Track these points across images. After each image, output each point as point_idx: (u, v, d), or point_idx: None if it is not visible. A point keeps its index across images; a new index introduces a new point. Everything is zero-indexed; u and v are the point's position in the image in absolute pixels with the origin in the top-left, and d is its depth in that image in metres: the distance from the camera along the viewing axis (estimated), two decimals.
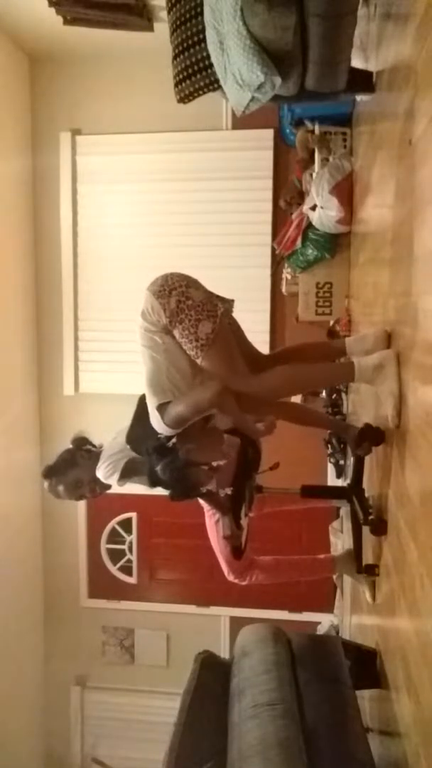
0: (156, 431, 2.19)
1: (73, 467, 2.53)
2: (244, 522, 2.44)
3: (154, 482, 2.18)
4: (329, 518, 4.71)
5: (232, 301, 2.25)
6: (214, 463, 2.27)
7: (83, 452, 2.55)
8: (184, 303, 2.08)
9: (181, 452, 2.14)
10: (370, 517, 2.25)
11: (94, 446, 2.60)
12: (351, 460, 2.80)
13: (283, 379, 2.21)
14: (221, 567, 2.80)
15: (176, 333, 2.10)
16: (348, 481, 2.68)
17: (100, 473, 2.47)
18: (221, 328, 2.11)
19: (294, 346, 2.46)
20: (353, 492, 2.52)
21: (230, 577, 2.81)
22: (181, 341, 2.10)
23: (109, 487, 2.57)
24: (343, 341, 2.34)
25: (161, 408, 2.13)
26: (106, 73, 4.90)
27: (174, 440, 2.18)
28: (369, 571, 2.30)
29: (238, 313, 2.35)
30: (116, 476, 2.43)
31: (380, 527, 2.15)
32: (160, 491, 2.26)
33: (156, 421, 2.18)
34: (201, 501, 2.53)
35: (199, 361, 2.12)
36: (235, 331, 2.29)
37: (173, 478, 2.13)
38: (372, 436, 2.24)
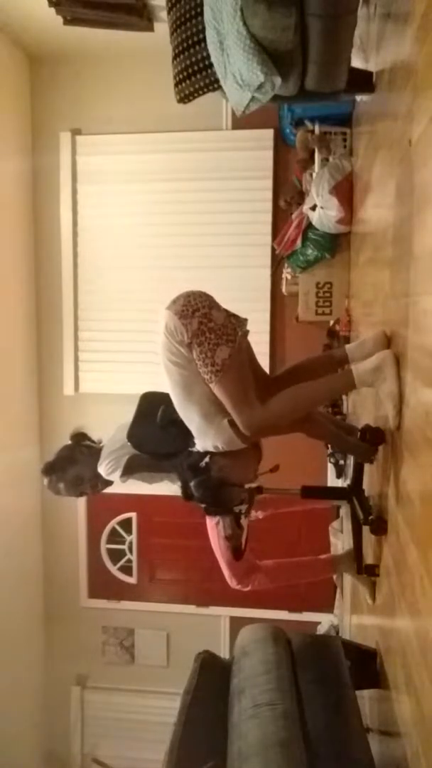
0: (163, 436, 2.23)
1: (73, 464, 2.52)
2: (244, 522, 2.44)
3: (187, 496, 2.23)
4: (329, 519, 4.71)
5: (246, 320, 2.24)
6: (246, 485, 2.30)
7: (83, 448, 2.55)
8: (206, 325, 2.08)
9: (214, 470, 2.16)
10: (371, 517, 2.25)
11: (93, 442, 2.60)
12: (351, 461, 2.79)
13: (287, 404, 2.20)
14: (223, 572, 2.76)
15: (194, 353, 2.09)
16: (348, 481, 2.66)
17: (102, 469, 2.47)
18: (238, 355, 2.12)
19: (297, 364, 2.44)
20: (353, 493, 2.52)
21: (233, 583, 2.75)
22: (197, 362, 2.10)
23: (110, 483, 2.56)
24: (344, 349, 2.33)
25: (228, 426, 2.15)
26: (106, 73, 4.90)
27: (207, 458, 2.20)
28: (369, 572, 2.29)
29: (238, 314, 2.34)
30: (118, 473, 2.43)
31: (380, 527, 2.16)
32: (160, 491, 2.28)
33: (206, 436, 2.20)
34: None
35: (212, 386, 2.12)
36: (247, 352, 2.28)
37: (206, 495, 2.19)
38: (373, 439, 2.24)
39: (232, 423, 2.15)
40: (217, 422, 2.17)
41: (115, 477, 2.46)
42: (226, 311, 2.19)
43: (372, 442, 2.25)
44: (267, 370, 4.95)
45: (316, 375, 2.29)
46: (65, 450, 2.58)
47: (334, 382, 2.31)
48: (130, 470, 2.43)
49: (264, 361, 4.69)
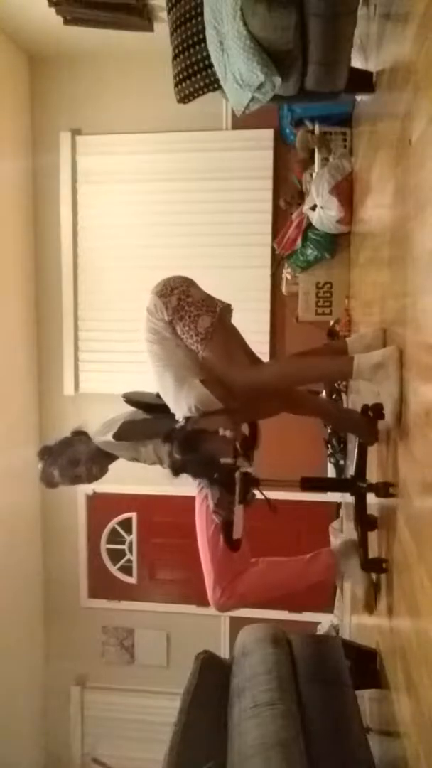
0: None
1: (69, 446, 2.46)
2: (239, 512, 2.36)
3: (176, 470, 2.20)
4: (329, 518, 4.71)
5: (230, 305, 2.30)
6: (221, 431, 2.24)
7: (84, 438, 2.49)
8: (185, 300, 2.18)
9: (190, 425, 2.19)
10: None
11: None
12: (354, 447, 2.67)
13: (281, 369, 2.31)
14: (206, 582, 2.47)
15: (177, 329, 2.18)
16: (351, 472, 2.54)
17: (96, 435, 2.43)
18: (220, 323, 2.19)
19: (294, 353, 2.46)
20: (357, 483, 2.45)
21: (215, 594, 2.43)
22: (183, 337, 2.18)
23: (106, 470, 2.49)
24: (344, 341, 2.34)
25: (204, 384, 2.18)
26: (106, 73, 4.90)
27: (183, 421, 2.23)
28: (375, 567, 2.23)
29: (238, 313, 2.36)
30: (110, 434, 2.37)
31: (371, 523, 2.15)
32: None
33: (181, 400, 2.22)
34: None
35: (200, 355, 2.19)
36: (233, 330, 2.34)
37: (186, 450, 2.15)
38: (375, 414, 2.24)
39: (205, 382, 2.18)
40: (188, 382, 2.21)
41: (108, 437, 2.38)
42: (207, 293, 2.28)
43: (374, 417, 2.24)
44: None
45: None
46: (64, 438, 2.53)
47: (331, 364, 2.33)
48: (124, 434, 2.35)
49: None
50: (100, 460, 2.45)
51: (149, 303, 2.22)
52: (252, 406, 2.42)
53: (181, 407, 2.25)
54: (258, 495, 2.41)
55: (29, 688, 5.29)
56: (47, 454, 2.46)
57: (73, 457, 2.42)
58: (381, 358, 2.00)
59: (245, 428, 2.48)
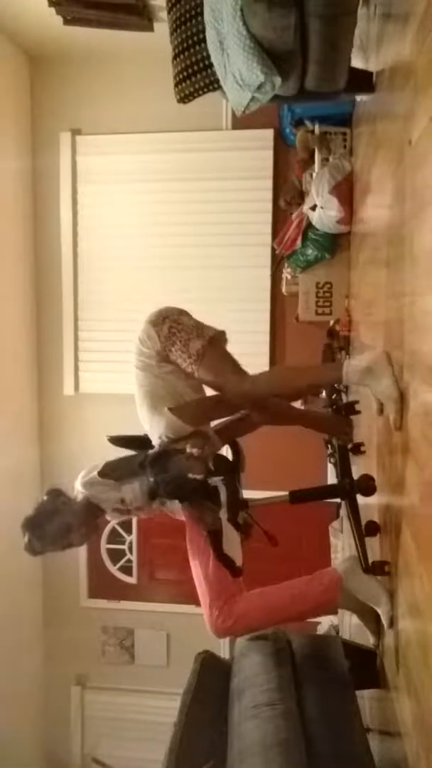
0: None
1: (56, 514, 2.39)
2: (236, 541, 2.34)
3: (150, 492, 2.23)
4: (329, 519, 4.72)
5: (224, 332, 2.35)
6: (192, 451, 2.25)
7: (63, 499, 2.42)
8: (176, 327, 2.25)
9: (161, 448, 2.23)
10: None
11: (70, 498, 2.44)
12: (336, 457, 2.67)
13: (274, 377, 2.37)
14: (203, 606, 2.37)
15: (172, 357, 2.25)
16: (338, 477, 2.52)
17: (79, 481, 2.39)
18: (211, 345, 2.24)
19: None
20: (345, 486, 2.41)
21: (213, 616, 2.28)
22: (178, 362, 2.25)
23: (95, 528, 2.47)
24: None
25: (171, 411, 2.23)
26: (106, 73, 4.90)
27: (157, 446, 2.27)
28: (378, 570, 2.21)
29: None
30: (95, 473, 2.36)
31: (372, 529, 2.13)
32: None
33: (154, 428, 2.28)
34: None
35: (196, 375, 2.25)
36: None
37: (159, 472, 2.18)
38: (347, 412, 2.26)
39: (172, 410, 2.24)
40: (159, 410, 2.26)
41: (93, 474, 2.36)
42: (198, 321, 2.34)
43: (347, 414, 2.26)
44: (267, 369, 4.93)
45: None
46: (44, 504, 2.45)
47: (322, 370, 2.38)
48: (106, 470, 2.35)
49: (264, 361, 4.70)
50: (88, 520, 2.40)
51: (141, 331, 2.30)
52: (234, 425, 2.50)
53: (153, 435, 2.32)
54: (254, 522, 2.41)
55: (29, 688, 5.28)
56: (32, 526, 2.42)
57: (62, 525, 2.36)
58: (368, 363, 2.02)
59: (228, 453, 2.50)
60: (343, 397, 4.28)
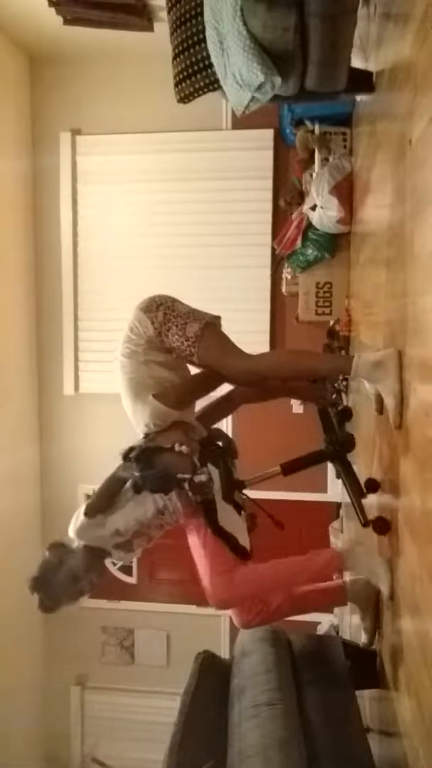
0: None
1: (61, 566, 2.35)
2: (240, 522, 2.35)
3: (136, 486, 2.21)
4: (329, 518, 4.72)
5: (219, 316, 2.34)
6: (178, 448, 2.24)
7: (65, 549, 2.39)
8: (171, 314, 2.23)
9: (147, 442, 2.22)
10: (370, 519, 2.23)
11: (72, 548, 2.41)
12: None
13: (279, 357, 2.37)
14: (203, 579, 2.33)
15: (167, 342, 2.22)
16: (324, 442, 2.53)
17: (71, 532, 2.34)
18: (207, 327, 2.23)
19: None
20: (332, 446, 2.43)
21: (212, 586, 2.27)
22: (175, 347, 2.22)
23: (103, 571, 2.45)
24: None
25: (155, 398, 2.23)
26: (106, 73, 4.90)
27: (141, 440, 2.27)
28: (377, 527, 2.18)
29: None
30: (81, 514, 2.32)
31: (383, 527, 2.13)
32: None
33: (139, 417, 2.27)
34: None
35: (195, 359, 2.23)
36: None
37: (145, 467, 2.17)
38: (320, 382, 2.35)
39: (156, 396, 2.23)
40: (143, 398, 2.25)
41: (80, 518, 2.32)
42: (192, 307, 2.33)
43: (340, 419, 2.35)
44: None
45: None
46: (47, 560, 2.40)
47: (330, 358, 2.36)
48: (88, 509, 2.31)
49: None
50: (94, 564, 2.39)
51: (132, 318, 2.27)
52: (215, 408, 2.52)
53: (139, 425, 2.31)
54: (259, 506, 2.41)
55: (29, 688, 5.28)
56: (39, 585, 2.36)
57: (68, 576, 2.34)
58: (380, 357, 2.01)
59: (220, 442, 2.48)
60: (343, 397, 4.28)
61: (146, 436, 2.29)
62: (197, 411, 2.51)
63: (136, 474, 2.20)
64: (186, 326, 2.21)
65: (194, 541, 2.36)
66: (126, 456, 2.23)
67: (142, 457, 2.20)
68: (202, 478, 2.23)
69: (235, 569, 2.26)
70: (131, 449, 2.24)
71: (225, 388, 2.55)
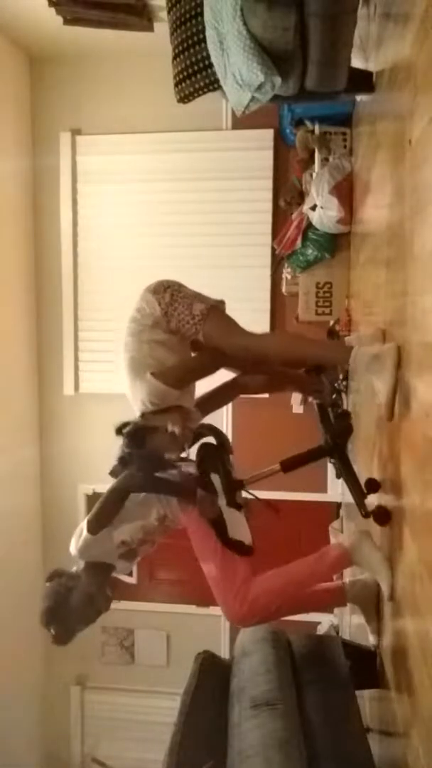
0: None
1: (69, 592, 2.28)
2: (240, 517, 2.34)
3: (122, 461, 2.24)
4: (329, 518, 4.72)
5: (223, 301, 2.39)
6: (170, 428, 2.24)
7: (67, 575, 2.34)
8: (178, 295, 2.29)
9: (140, 423, 2.24)
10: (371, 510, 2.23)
11: (72, 573, 2.37)
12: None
13: (282, 338, 2.34)
14: (219, 598, 2.29)
15: (172, 322, 2.25)
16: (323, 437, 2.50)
17: (73, 550, 2.28)
18: (213, 308, 2.28)
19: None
20: (329, 443, 2.46)
21: (228, 602, 2.24)
22: (180, 325, 2.25)
23: (116, 583, 2.38)
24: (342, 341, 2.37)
25: (154, 376, 2.23)
26: (106, 73, 4.90)
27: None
28: (378, 517, 2.14)
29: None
30: (84, 531, 2.26)
31: (384, 517, 2.13)
32: None
33: (136, 394, 2.27)
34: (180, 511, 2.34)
35: (199, 337, 2.26)
36: None
37: (132, 447, 2.20)
38: (316, 371, 2.39)
39: (155, 374, 2.23)
40: (141, 376, 2.26)
41: (84, 534, 2.26)
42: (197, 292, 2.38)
43: (316, 373, 2.38)
44: None
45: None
46: (52, 589, 2.32)
47: (330, 347, 2.43)
48: (90, 525, 2.25)
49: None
50: (104, 580, 2.32)
51: (140, 299, 2.33)
52: (215, 395, 2.52)
53: (136, 402, 2.31)
54: (253, 495, 2.41)
55: (29, 688, 5.28)
56: (52, 616, 2.27)
57: (84, 598, 2.27)
58: (380, 349, 2.03)
59: (210, 439, 2.48)
60: (343, 397, 4.28)
61: (143, 415, 2.29)
62: (196, 398, 2.50)
63: (126, 450, 2.22)
64: (192, 306, 2.26)
65: (200, 550, 2.34)
66: (119, 430, 2.25)
67: (134, 434, 2.22)
68: (190, 470, 2.27)
69: (248, 583, 2.23)
70: (126, 424, 2.25)
71: (224, 377, 2.55)
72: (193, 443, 2.46)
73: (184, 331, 2.25)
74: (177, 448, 2.30)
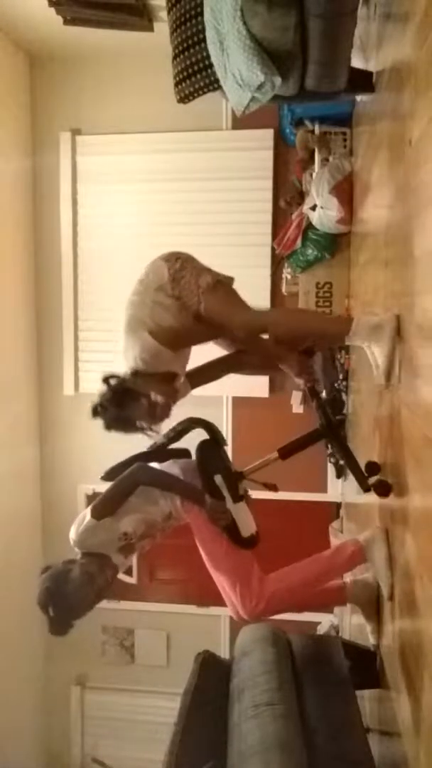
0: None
1: (69, 572, 2.21)
2: (242, 509, 2.33)
3: (95, 411, 2.29)
4: (329, 518, 4.72)
5: (233, 278, 2.42)
6: (153, 398, 2.23)
7: (65, 562, 2.28)
8: (188, 264, 2.34)
9: (128, 381, 2.24)
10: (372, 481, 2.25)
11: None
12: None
13: (283, 312, 2.34)
14: (229, 595, 2.30)
15: (177, 289, 2.27)
16: (320, 421, 2.49)
17: (73, 534, 2.27)
18: (221, 282, 2.31)
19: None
20: (324, 425, 2.47)
21: (245, 601, 2.24)
22: (184, 293, 2.27)
23: (116, 567, 2.31)
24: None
25: (151, 334, 2.24)
26: (106, 73, 4.90)
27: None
28: (380, 491, 2.15)
29: None
30: (88, 515, 2.26)
31: (384, 489, 2.14)
32: None
33: (129, 350, 2.28)
34: (182, 508, 2.32)
35: (201, 307, 2.26)
36: None
37: (114, 401, 2.21)
38: (308, 351, 2.40)
39: (151, 333, 2.24)
40: (138, 334, 2.27)
41: (87, 518, 2.25)
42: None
43: (308, 354, 2.41)
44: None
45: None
46: (49, 573, 2.25)
47: (333, 320, 2.49)
48: (97, 510, 2.25)
49: None
50: (103, 564, 2.26)
51: (150, 264, 2.40)
52: (208, 368, 2.52)
53: (128, 358, 2.30)
54: (251, 480, 2.41)
55: (29, 688, 5.28)
56: (51, 596, 2.18)
57: (83, 577, 2.19)
58: (379, 320, 2.08)
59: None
60: (343, 397, 4.28)
61: (135, 373, 2.26)
62: (189, 369, 2.49)
63: (103, 401, 2.24)
64: (200, 276, 2.29)
65: (206, 550, 2.35)
66: (106, 379, 2.26)
67: (118, 390, 2.23)
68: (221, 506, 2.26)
69: (263, 581, 2.25)
70: (113, 376, 2.26)
71: (218, 353, 2.55)
72: (179, 437, 2.45)
73: (187, 299, 2.27)
74: (153, 420, 2.29)
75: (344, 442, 2.46)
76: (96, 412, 2.28)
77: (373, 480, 2.24)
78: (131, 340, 2.28)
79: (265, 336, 2.36)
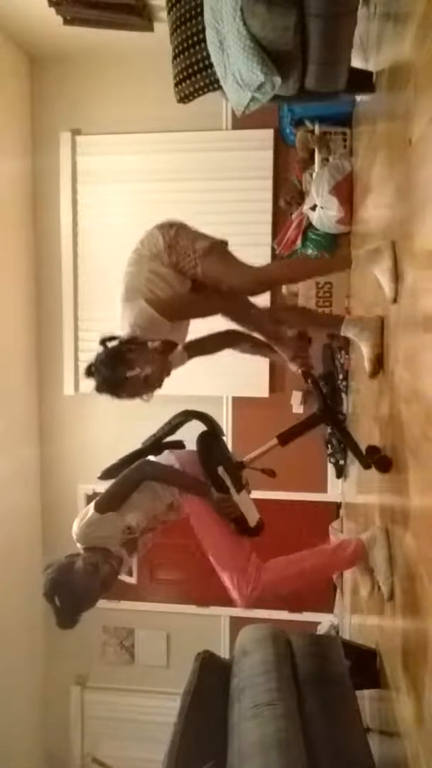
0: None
1: (73, 563, 2.22)
2: (244, 499, 2.33)
3: (88, 371, 2.30)
4: (329, 518, 4.72)
5: (227, 241, 2.44)
6: (155, 345, 2.23)
7: (69, 556, 2.29)
8: (183, 231, 2.34)
9: (124, 346, 2.23)
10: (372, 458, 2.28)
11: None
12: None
13: (282, 264, 2.40)
14: (226, 577, 2.31)
15: (173, 255, 2.29)
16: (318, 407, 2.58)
17: (75, 528, 2.27)
18: (217, 245, 2.34)
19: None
20: (322, 409, 2.51)
21: (241, 587, 2.26)
22: (180, 259, 2.29)
23: (121, 558, 2.30)
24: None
25: (147, 302, 2.25)
26: (106, 73, 4.90)
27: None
28: (380, 466, 2.17)
29: None
30: (91, 509, 2.26)
31: (385, 464, 2.15)
32: None
33: (125, 317, 2.29)
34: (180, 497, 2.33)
35: (198, 270, 2.29)
36: None
37: (108, 364, 2.22)
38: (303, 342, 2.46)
39: (148, 301, 2.24)
40: (134, 302, 2.27)
41: (90, 512, 2.26)
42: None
43: (304, 339, 2.45)
44: (267, 371, 4.95)
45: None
46: (53, 566, 2.26)
47: (330, 263, 2.66)
48: (100, 504, 2.27)
49: (264, 362, 4.70)
50: (106, 556, 2.26)
51: (146, 233, 2.41)
52: (206, 340, 2.54)
53: (123, 327, 2.30)
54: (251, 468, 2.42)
55: (29, 688, 5.28)
56: (56, 585, 2.20)
57: (88, 567, 2.20)
58: (376, 246, 2.16)
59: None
60: (343, 397, 4.28)
61: (130, 340, 2.25)
62: (187, 341, 2.50)
63: (98, 360, 2.25)
64: (196, 241, 2.31)
65: (203, 535, 2.36)
66: (103, 341, 2.26)
67: (113, 354, 2.23)
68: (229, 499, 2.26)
69: (260, 569, 2.27)
70: (113, 338, 2.26)
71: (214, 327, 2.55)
72: (174, 430, 2.45)
73: (184, 264, 2.29)
74: (145, 388, 2.29)
75: (342, 424, 2.47)
76: (90, 372, 2.30)
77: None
78: (127, 309, 2.29)
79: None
